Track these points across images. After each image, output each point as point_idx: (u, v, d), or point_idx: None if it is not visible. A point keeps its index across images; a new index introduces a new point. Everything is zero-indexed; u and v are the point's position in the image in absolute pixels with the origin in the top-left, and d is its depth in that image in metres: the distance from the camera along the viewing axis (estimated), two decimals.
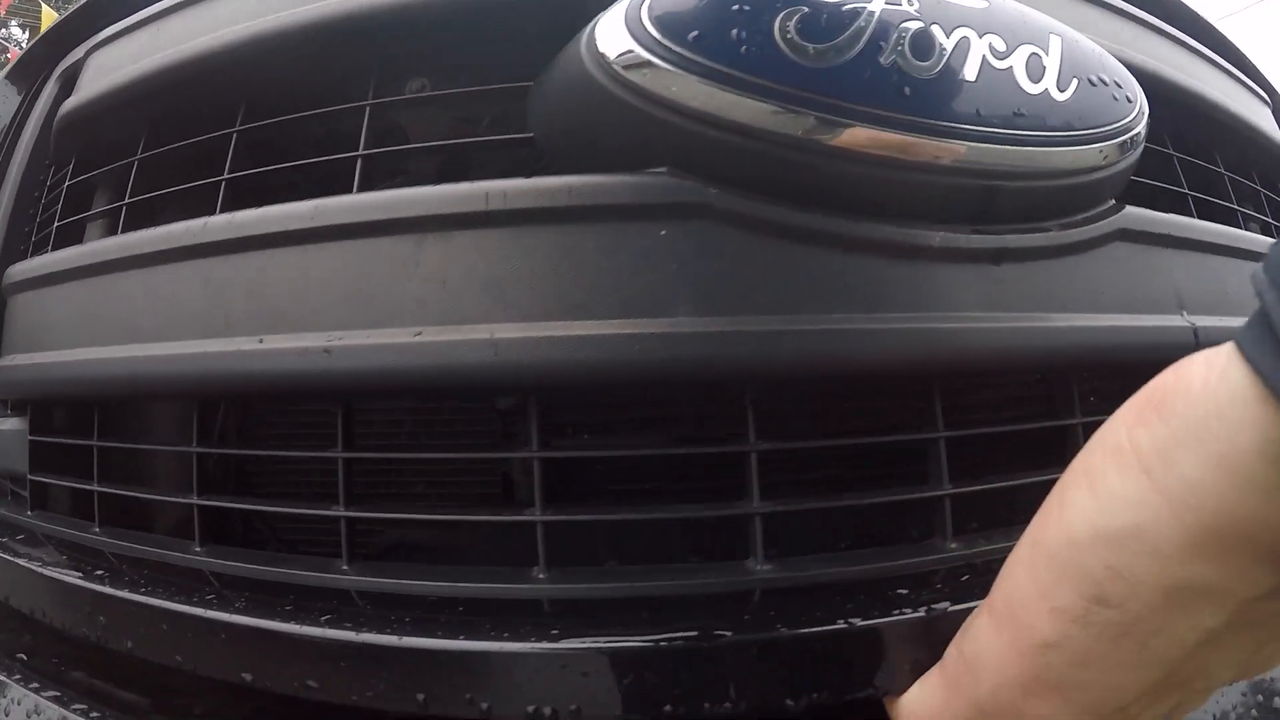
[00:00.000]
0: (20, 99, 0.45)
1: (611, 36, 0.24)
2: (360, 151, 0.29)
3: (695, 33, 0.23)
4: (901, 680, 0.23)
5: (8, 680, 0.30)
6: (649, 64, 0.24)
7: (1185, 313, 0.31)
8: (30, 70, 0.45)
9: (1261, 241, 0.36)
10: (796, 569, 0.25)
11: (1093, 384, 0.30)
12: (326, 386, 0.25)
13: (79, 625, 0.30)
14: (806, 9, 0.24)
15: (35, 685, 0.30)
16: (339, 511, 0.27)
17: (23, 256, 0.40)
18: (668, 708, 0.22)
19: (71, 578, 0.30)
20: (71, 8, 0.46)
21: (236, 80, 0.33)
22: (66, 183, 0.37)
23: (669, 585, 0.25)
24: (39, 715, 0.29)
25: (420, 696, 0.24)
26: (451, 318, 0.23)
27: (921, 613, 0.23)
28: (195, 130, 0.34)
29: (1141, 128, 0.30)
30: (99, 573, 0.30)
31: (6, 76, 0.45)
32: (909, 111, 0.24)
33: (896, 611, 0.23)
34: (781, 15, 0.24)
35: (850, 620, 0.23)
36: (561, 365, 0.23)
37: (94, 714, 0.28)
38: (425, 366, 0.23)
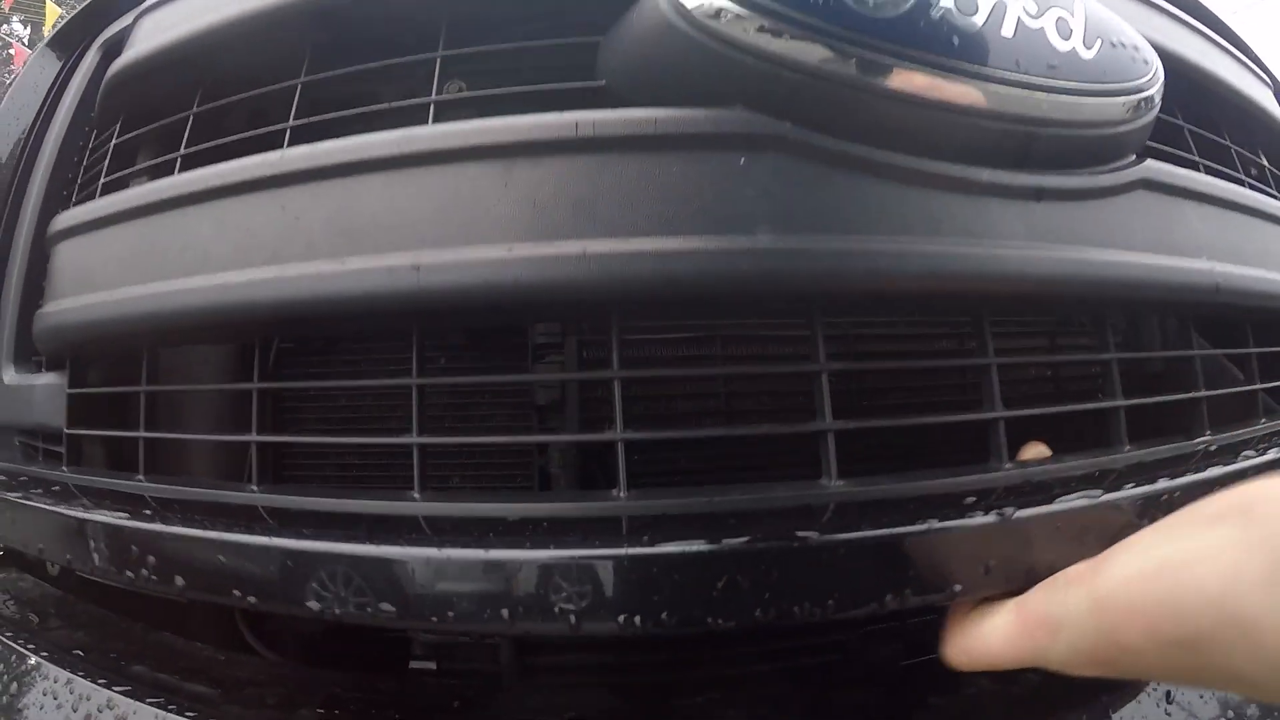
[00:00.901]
0: (59, 67, 0.47)
1: None
2: (433, 97, 0.32)
3: None
4: (972, 585, 0.25)
5: (74, 676, 0.31)
6: (727, 12, 0.27)
7: (1205, 258, 0.35)
8: (71, 40, 0.47)
9: (1272, 204, 0.41)
10: (868, 484, 0.27)
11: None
12: (414, 304, 0.27)
13: (125, 568, 0.30)
14: None
15: (103, 681, 0.30)
16: (412, 439, 0.29)
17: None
18: (758, 612, 0.24)
19: (118, 519, 0.31)
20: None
21: (300, 34, 0.35)
22: (115, 140, 0.39)
23: (747, 500, 0.27)
24: (111, 710, 0.29)
25: (505, 612, 0.25)
26: (543, 234, 0.26)
27: (993, 517, 0.26)
28: (250, 86, 0.36)
29: (1157, 90, 0.34)
30: (146, 512, 0.31)
31: (48, 45, 0.47)
32: (959, 59, 0.28)
33: (970, 515, 0.26)
34: None
35: (929, 522, 0.25)
36: (653, 276, 0.25)
37: (171, 706, 0.29)
38: (519, 280, 0.26)
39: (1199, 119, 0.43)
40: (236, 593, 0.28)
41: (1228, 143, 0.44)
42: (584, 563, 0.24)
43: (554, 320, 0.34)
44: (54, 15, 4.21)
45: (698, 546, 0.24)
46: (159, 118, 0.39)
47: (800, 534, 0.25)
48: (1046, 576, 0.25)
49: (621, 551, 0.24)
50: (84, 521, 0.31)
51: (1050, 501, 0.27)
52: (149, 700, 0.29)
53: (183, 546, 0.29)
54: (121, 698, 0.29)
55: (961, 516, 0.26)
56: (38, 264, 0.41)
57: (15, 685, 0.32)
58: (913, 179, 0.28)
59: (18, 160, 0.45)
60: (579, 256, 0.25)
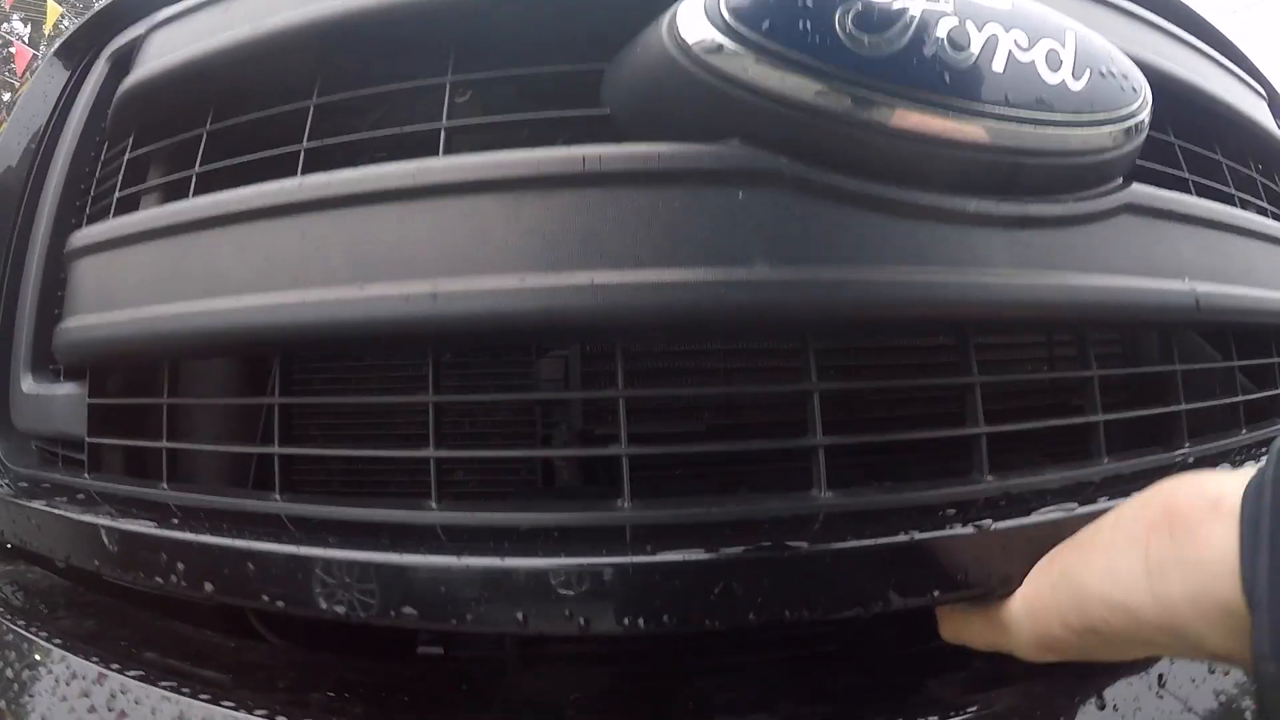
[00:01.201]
0: (68, 77, 0.49)
1: (692, 23, 0.30)
2: (443, 123, 0.34)
3: (767, 22, 0.30)
4: (951, 591, 0.29)
5: (86, 662, 0.33)
6: (726, 49, 0.30)
7: (1186, 279, 0.38)
8: (77, 50, 0.49)
9: (1256, 220, 0.44)
10: (856, 496, 0.30)
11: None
12: (432, 330, 0.30)
13: (154, 574, 0.33)
14: (861, 5, 0.30)
15: (116, 666, 0.33)
16: (429, 452, 0.32)
17: (76, 228, 0.44)
18: (751, 615, 0.27)
19: (147, 528, 0.34)
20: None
21: (313, 56, 0.38)
22: (128, 155, 0.41)
23: (744, 510, 0.30)
24: (125, 694, 0.32)
25: (520, 615, 0.28)
26: (553, 265, 0.29)
27: (971, 529, 0.29)
28: (261, 105, 0.39)
29: (1146, 115, 0.37)
30: (174, 521, 0.34)
31: (55, 54, 0.49)
32: (949, 95, 0.31)
33: (949, 526, 0.29)
34: (840, 9, 0.30)
35: (910, 533, 0.28)
36: (655, 307, 0.28)
37: (184, 690, 0.31)
38: (531, 309, 0.29)
39: (1191, 134, 0.45)
40: (265, 598, 0.31)
41: (1219, 157, 0.47)
42: (592, 570, 0.28)
43: (563, 343, 0.37)
44: (55, 14, 4.23)
45: (696, 555, 0.28)
46: (171, 132, 0.42)
47: (790, 544, 0.28)
48: (1021, 582, 0.30)
49: (626, 560, 0.28)
50: (113, 530, 0.35)
51: (1027, 514, 0.31)
52: (162, 684, 0.31)
53: (213, 555, 0.32)
54: (135, 682, 0.32)
55: (941, 528, 0.29)
56: (53, 275, 0.44)
57: (27, 673, 0.34)
58: (902, 211, 0.31)
59: (29, 170, 0.47)
60: (587, 287, 0.28)
